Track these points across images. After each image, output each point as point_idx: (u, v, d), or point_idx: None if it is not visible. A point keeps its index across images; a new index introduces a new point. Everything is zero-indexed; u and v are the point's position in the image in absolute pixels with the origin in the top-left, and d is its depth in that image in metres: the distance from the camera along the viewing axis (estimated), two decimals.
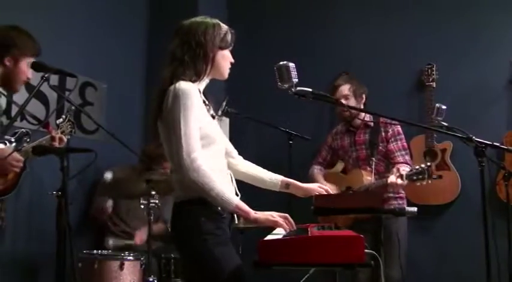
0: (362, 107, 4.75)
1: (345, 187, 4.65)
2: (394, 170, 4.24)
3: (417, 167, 4.07)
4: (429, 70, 5.21)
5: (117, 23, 5.57)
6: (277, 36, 5.83)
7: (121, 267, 4.18)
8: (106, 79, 5.40)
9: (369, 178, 4.44)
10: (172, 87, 2.76)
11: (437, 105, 4.32)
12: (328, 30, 5.82)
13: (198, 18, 2.97)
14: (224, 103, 4.93)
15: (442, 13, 5.39)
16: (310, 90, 2.92)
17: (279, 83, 2.90)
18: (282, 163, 4.68)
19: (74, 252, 3.27)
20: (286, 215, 2.80)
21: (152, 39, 5.96)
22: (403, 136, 4.63)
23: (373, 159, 4.50)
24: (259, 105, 5.68)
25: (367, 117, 4.70)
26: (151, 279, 4.29)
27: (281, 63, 2.89)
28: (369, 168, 4.50)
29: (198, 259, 2.75)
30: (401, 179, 4.11)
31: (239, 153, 3.23)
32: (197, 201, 2.74)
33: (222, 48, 2.93)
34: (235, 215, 2.87)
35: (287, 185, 3.15)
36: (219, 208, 2.75)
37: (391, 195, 4.52)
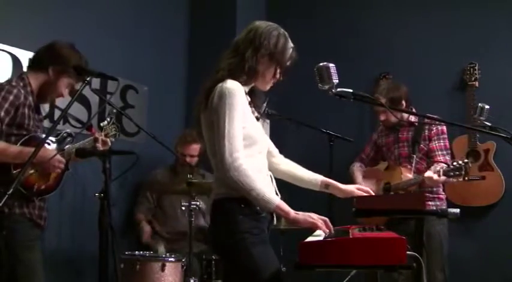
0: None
1: (384, 183, 4.62)
2: (433, 166, 4.26)
3: (455, 163, 4.03)
4: (471, 69, 5.15)
5: (157, 25, 5.60)
6: (317, 36, 5.80)
7: (162, 268, 4.21)
8: (147, 82, 5.44)
9: (408, 175, 4.39)
10: (219, 85, 2.77)
11: (480, 104, 4.25)
12: (368, 30, 5.78)
13: (273, 24, 2.96)
14: (264, 104, 4.92)
15: (484, 11, 5.32)
16: (350, 91, 2.89)
17: (319, 84, 2.87)
18: (323, 165, 4.65)
19: (116, 253, 3.30)
20: (326, 218, 2.78)
21: (193, 40, 5.95)
22: (446, 136, 4.56)
23: (414, 156, 4.46)
24: (299, 107, 5.67)
25: (412, 116, 4.64)
26: (192, 281, 4.31)
27: (321, 64, 2.86)
28: (409, 166, 4.45)
29: (235, 257, 2.75)
30: (438, 175, 4.09)
31: None
32: (237, 199, 2.74)
33: (281, 62, 2.94)
34: (274, 216, 2.87)
35: (327, 185, 3.14)
36: (258, 207, 2.76)
37: (429, 195, 4.45)
